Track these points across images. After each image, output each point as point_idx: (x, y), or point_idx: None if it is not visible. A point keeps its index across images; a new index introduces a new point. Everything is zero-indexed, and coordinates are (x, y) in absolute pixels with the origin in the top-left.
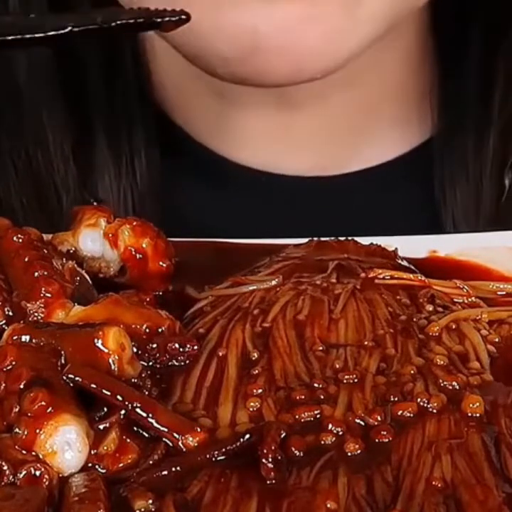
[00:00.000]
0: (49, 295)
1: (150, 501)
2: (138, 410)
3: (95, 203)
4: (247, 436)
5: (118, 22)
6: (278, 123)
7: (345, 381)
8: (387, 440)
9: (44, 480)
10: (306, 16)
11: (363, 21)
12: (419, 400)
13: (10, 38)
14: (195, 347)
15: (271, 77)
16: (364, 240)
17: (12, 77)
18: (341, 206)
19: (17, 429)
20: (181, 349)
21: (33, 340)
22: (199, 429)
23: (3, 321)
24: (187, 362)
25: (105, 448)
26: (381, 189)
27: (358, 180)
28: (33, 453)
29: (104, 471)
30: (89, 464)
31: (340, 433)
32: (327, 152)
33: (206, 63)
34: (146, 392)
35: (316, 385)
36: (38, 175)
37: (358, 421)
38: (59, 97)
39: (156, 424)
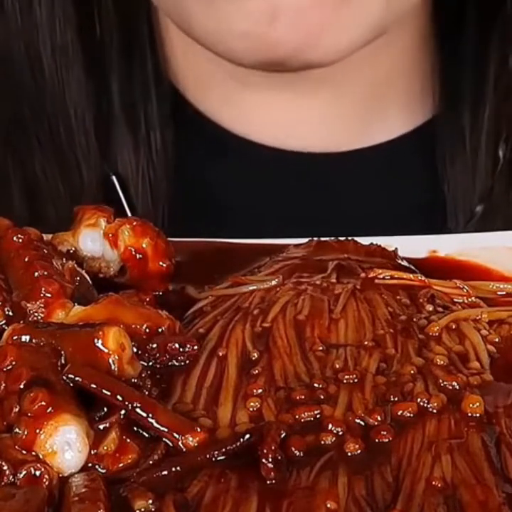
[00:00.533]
0: (49, 295)
1: (150, 501)
2: (138, 410)
3: (114, 177)
4: (247, 436)
5: None
6: (289, 102)
7: (345, 381)
8: (387, 440)
9: (44, 480)
10: None
11: (373, 10)
12: (419, 399)
13: None
14: (195, 347)
15: (284, 48)
16: (364, 240)
17: (35, 54)
18: (351, 181)
19: (17, 429)
20: (181, 349)
21: (33, 340)
22: (199, 429)
23: (3, 321)
24: (187, 362)
25: (105, 448)
26: (387, 166)
27: (366, 157)
28: (33, 453)
29: (104, 471)
30: (89, 464)
31: (340, 433)
32: (337, 130)
33: (223, 40)
34: (146, 392)
35: (316, 385)
36: (60, 148)
37: (358, 421)
38: (80, 72)
39: (156, 424)
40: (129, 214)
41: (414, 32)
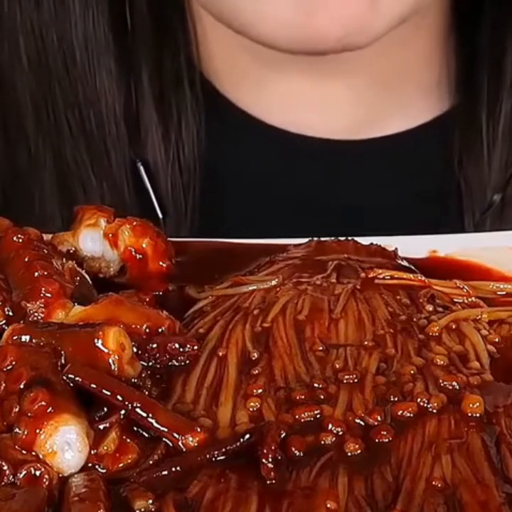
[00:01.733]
0: (49, 295)
1: (150, 501)
2: (138, 410)
3: (139, 163)
4: (247, 436)
5: None
6: (313, 89)
7: (345, 381)
8: (387, 440)
9: (44, 480)
10: None
11: None
12: (419, 400)
13: None
14: (195, 347)
15: (323, 41)
16: (364, 240)
17: (68, 43)
18: (369, 168)
19: (17, 429)
20: (181, 349)
21: (33, 340)
22: (199, 429)
23: (3, 321)
24: (187, 362)
25: (105, 448)
26: (404, 155)
27: (385, 145)
28: (33, 453)
29: (104, 471)
30: (89, 464)
31: (340, 433)
32: (358, 117)
33: (263, 31)
34: (146, 392)
35: (316, 385)
36: (90, 134)
37: (358, 421)
38: (111, 62)
39: (156, 424)
40: (155, 202)
41: (433, 23)
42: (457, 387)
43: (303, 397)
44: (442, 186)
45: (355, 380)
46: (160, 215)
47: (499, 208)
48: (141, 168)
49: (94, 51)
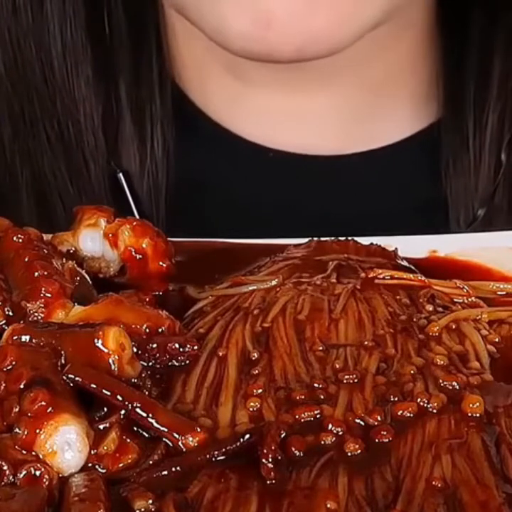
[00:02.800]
0: (49, 295)
1: (150, 501)
2: (138, 410)
3: (120, 174)
4: (247, 436)
5: None
6: (290, 102)
7: (345, 381)
8: (387, 440)
9: (44, 480)
10: (314, 1)
11: (365, 7)
12: (419, 399)
13: None
14: (195, 347)
15: (280, 54)
16: (364, 240)
17: (45, 52)
18: (354, 182)
19: (17, 429)
20: (181, 349)
21: (33, 340)
22: (199, 429)
23: (3, 321)
24: (187, 362)
25: (105, 448)
26: (390, 168)
27: (370, 159)
28: (33, 453)
29: (104, 471)
30: (89, 464)
31: (340, 433)
32: (339, 131)
33: (225, 38)
34: (146, 392)
35: (316, 385)
36: (68, 146)
37: (358, 421)
38: (89, 71)
39: (156, 424)
40: (135, 211)
41: (418, 34)
42: (457, 387)
43: (303, 397)
44: (428, 199)
45: (355, 380)
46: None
47: (485, 221)
48: (122, 179)
49: (72, 60)
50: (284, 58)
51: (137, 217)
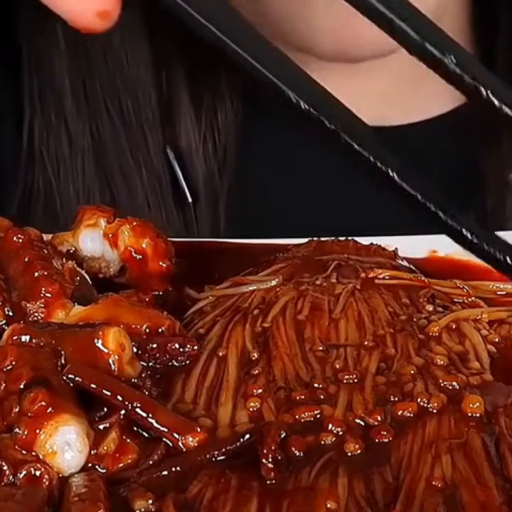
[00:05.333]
0: (49, 295)
1: (150, 501)
2: (138, 410)
3: (170, 153)
4: (247, 436)
5: None
6: (342, 86)
7: (345, 381)
8: (387, 440)
9: (44, 480)
10: None
11: None
12: (419, 399)
13: None
14: (195, 347)
15: (361, 46)
16: (364, 240)
17: (107, 38)
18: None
19: (17, 429)
20: (181, 349)
21: (33, 340)
22: (199, 429)
23: (3, 321)
24: (187, 362)
25: (105, 448)
26: (422, 144)
27: (402, 135)
28: (33, 453)
29: (104, 471)
30: (89, 464)
31: (340, 433)
32: (378, 109)
33: (307, 36)
34: (146, 392)
35: (316, 385)
36: (128, 119)
37: (358, 421)
38: (147, 51)
39: (156, 424)
40: (186, 189)
41: (454, 23)
42: (457, 387)
43: (303, 397)
44: (461, 177)
45: (355, 380)
46: (189, 200)
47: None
48: (172, 154)
49: (129, 39)
50: (367, 52)
51: (187, 192)
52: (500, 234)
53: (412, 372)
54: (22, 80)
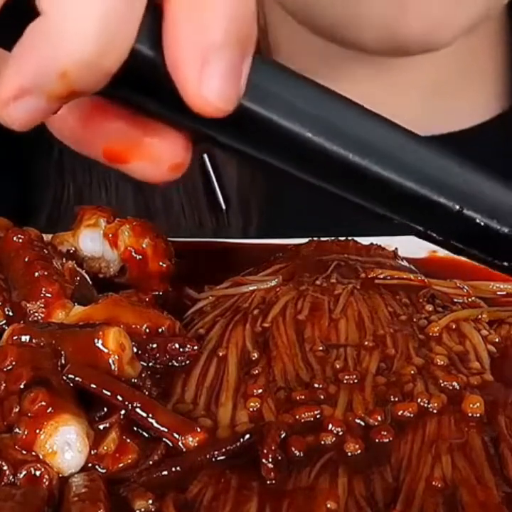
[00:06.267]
0: (49, 295)
1: (150, 501)
2: (138, 410)
3: (205, 159)
4: (247, 436)
5: None
6: (381, 92)
7: (345, 381)
8: (387, 440)
9: (44, 480)
10: None
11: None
12: (419, 400)
13: None
14: (195, 347)
15: (410, 38)
16: (364, 240)
17: None
18: None
19: (17, 429)
20: (181, 349)
21: (33, 340)
22: (199, 429)
23: (3, 321)
24: (187, 362)
25: (105, 448)
26: (464, 152)
27: (445, 142)
28: (33, 453)
29: (104, 471)
30: (89, 464)
31: (341, 433)
32: (419, 115)
33: (352, 29)
34: (146, 392)
35: (316, 385)
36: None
37: (358, 421)
38: None
39: (156, 424)
40: (219, 193)
41: (496, 23)
42: (457, 387)
43: (303, 397)
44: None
45: (356, 380)
46: (223, 206)
47: None
48: (207, 159)
49: None
50: (415, 44)
51: (221, 198)
52: None
53: (412, 372)
54: None
